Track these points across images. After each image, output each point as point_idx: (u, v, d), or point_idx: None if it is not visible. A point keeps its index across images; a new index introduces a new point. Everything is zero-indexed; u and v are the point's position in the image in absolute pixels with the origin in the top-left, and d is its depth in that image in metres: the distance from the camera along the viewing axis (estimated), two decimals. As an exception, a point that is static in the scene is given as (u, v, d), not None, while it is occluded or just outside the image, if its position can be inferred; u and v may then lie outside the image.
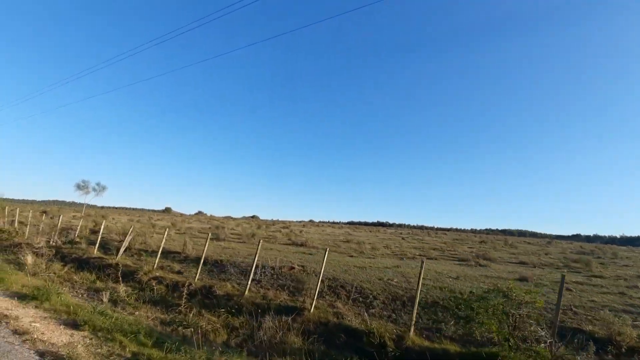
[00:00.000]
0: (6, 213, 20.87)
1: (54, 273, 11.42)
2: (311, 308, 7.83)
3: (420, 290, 9.33)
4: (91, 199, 40.89)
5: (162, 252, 13.76)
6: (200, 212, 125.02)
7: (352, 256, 15.59)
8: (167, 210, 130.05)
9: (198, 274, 10.19)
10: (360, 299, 8.70)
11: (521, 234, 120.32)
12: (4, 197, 23.22)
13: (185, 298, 8.51)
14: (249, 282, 9.14)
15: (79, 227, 16.72)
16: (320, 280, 8.33)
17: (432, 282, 10.56)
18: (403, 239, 34.23)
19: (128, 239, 12.65)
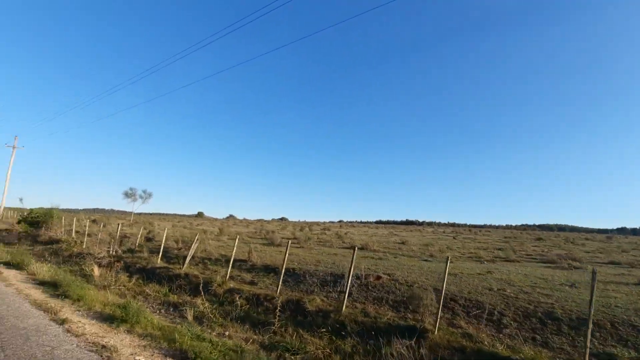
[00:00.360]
0: (63, 223, 21.08)
1: (124, 286, 10.81)
2: (435, 329, 6.51)
3: (547, 303, 7.81)
4: (138, 207, 41.76)
5: (226, 260, 12.95)
6: (231, 216, 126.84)
7: (426, 260, 14.10)
8: (200, 215, 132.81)
9: (280, 286, 9.14)
10: (484, 316, 7.27)
11: (560, 228, 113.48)
12: (60, 207, 23.51)
13: (278, 315, 7.44)
14: (345, 296, 7.94)
15: (139, 236, 16.33)
16: (443, 295, 6.99)
17: (550, 291, 8.93)
18: (454, 238, 32.12)
19: (194, 247, 11.88)
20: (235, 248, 10.68)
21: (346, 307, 7.90)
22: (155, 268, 12.44)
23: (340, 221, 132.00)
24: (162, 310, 8.80)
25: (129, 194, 39.37)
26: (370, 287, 9.21)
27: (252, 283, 10.54)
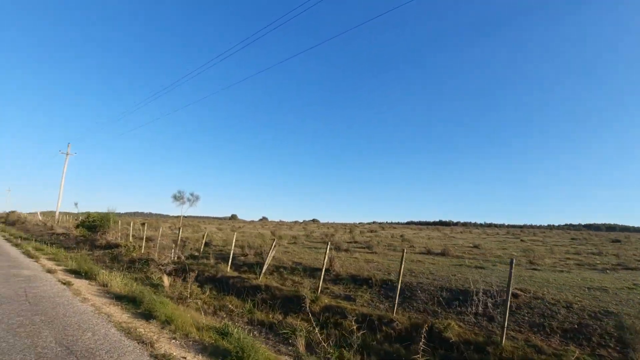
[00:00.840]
0: (119, 227, 20.71)
1: (199, 298, 9.54)
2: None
3: None
4: (186, 210, 41.76)
5: (304, 269, 11.43)
6: (264, 218, 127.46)
7: (535, 269, 11.83)
8: (234, 218, 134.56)
9: (396, 306, 7.38)
10: None
11: (610, 228, 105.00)
12: (116, 211, 23.30)
13: (421, 349, 5.67)
14: (505, 322, 6.03)
15: (202, 241, 15.27)
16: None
17: None
18: (522, 241, 28.97)
19: (271, 254, 10.44)
20: (326, 257, 9.05)
21: (501, 337, 6.01)
22: (227, 277, 11.14)
23: (373, 222, 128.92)
24: (256, 333, 7.34)
25: (178, 197, 39.43)
26: (513, 309, 7.24)
27: (348, 299, 8.88)
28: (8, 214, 57.78)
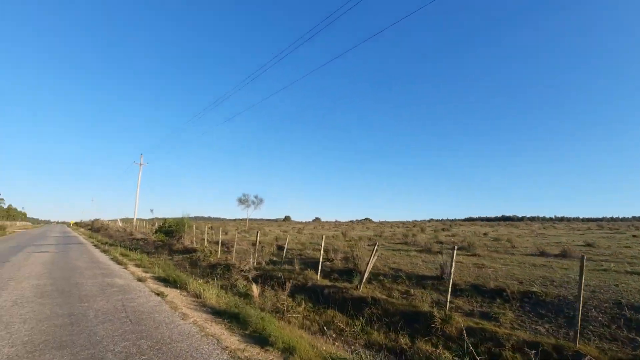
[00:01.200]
0: (194, 232, 20.95)
1: (298, 312, 8.38)
2: None
3: None
4: (251, 212, 42.47)
5: (408, 277, 9.82)
6: (317, 219, 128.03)
7: None
8: (287, 219, 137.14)
9: (578, 332, 5.42)
10: None
11: None
12: (190, 215, 23.73)
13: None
14: None
15: (285, 244, 14.45)
16: None
17: None
18: (634, 236, 24.28)
19: (372, 260, 8.98)
20: (453, 264, 7.31)
21: None
22: (320, 287, 9.91)
23: (431, 219, 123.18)
24: (383, 362, 5.89)
25: (243, 200, 40.16)
26: None
27: (485, 317, 7.07)
28: (93, 222, 64.36)
